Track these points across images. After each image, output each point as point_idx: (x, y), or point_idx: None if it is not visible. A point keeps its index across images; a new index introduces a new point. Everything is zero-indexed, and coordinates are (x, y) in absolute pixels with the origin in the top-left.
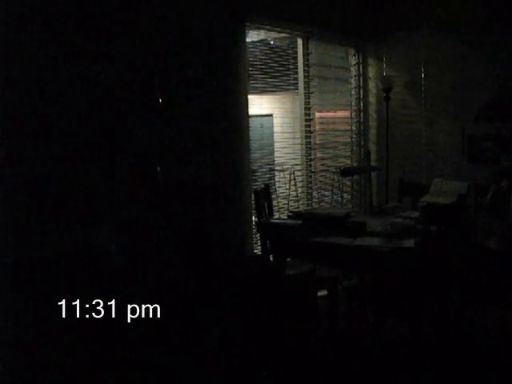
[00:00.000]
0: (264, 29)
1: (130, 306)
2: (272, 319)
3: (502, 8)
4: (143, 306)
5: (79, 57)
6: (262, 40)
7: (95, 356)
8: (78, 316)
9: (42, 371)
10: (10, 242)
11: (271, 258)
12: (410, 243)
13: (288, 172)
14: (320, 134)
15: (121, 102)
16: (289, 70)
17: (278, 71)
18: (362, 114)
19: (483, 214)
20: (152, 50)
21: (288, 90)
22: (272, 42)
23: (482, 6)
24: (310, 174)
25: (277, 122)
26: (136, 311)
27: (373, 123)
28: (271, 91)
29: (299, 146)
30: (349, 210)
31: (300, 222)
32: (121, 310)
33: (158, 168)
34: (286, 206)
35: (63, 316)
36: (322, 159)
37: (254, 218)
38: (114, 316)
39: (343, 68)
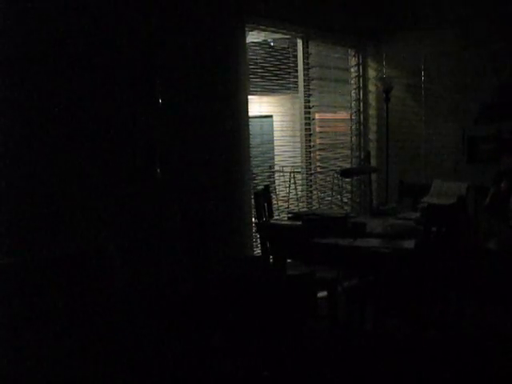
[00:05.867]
0: (264, 30)
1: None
2: (272, 320)
3: (502, 8)
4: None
5: (79, 57)
6: (262, 41)
7: (94, 357)
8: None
9: (42, 372)
10: (9, 243)
11: (271, 259)
12: (410, 244)
13: (288, 173)
14: (320, 135)
15: (121, 102)
16: (289, 71)
17: (278, 72)
18: (361, 115)
19: (483, 214)
20: (152, 50)
21: (288, 91)
22: (272, 43)
23: (482, 6)
24: (309, 175)
25: (277, 123)
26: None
27: (373, 124)
28: (271, 92)
29: (299, 146)
30: (349, 211)
31: (300, 223)
32: (120, 311)
33: (158, 169)
34: (286, 206)
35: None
36: (322, 160)
37: (253, 218)
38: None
39: (343, 69)
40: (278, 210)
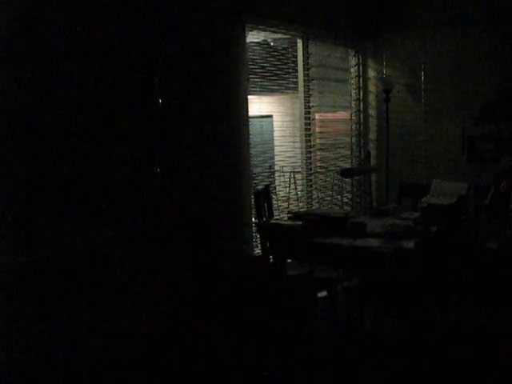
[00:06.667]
0: (264, 30)
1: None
2: (272, 320)
3: (502, 8)
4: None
5: (79, 57)
6: (262, 41)
7: (96, 356)
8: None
9: (42, 372)
10: (9, 243)
11: (271, 259)
12: (409, 244)
13: (288, 173)
14: (320, 135)
15: (121, 102)
16: (289, 70)
17: (278, 72)
18: (361, 115)
19: (483, 214)
20: (152, 50)
21: (288, 91)
22: (272, 43)
23: (482, 6)
24: (309, 175)
25: (277, 123)
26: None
27: (373, 124)
28: (271, 92)
29: (299, 146)
30: (349, 211)
31: (300, 222)
32: (121, 311)
33: (158, 169)
34: (286, 206)
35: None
36: (322, 160)
37: (253, 218)
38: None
39: (343, 69)
40: (278, 210)
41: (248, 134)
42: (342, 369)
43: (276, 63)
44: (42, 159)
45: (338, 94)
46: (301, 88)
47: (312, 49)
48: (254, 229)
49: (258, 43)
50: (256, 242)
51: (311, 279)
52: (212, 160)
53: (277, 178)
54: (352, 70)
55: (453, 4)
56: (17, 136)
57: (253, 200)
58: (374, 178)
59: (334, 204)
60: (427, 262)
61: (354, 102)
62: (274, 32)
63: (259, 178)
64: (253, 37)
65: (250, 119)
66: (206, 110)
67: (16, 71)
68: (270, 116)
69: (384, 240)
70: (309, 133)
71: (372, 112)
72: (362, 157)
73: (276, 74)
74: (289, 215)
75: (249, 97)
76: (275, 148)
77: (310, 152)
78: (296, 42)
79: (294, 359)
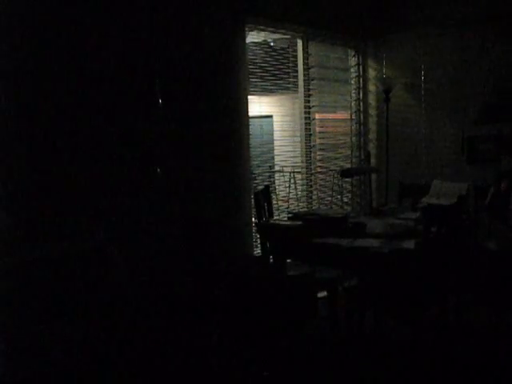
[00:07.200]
0: (264, 30)
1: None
2: (272, 320)
3: (502, 8)
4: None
5: (79, 56)
6: (262, 41)
7: (95, 356)
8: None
9: (43, 372)
10: (9, 243)
11: (271, 259)
12: (409, 244)
13: (288, 173)
14: (320, 135)
15: (121, 102)
16: (288, 71)
17: (278, 72)
18: (361, 115)
19: (483, 214)
20: (152, 50)
21: (288, 91)
22: (272, 43)
23: (482, 6)
24: (309, 175)
25: (277, 123)
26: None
27: (373, 124)
28: (271, 92)
29: (299, 146)
30: (349, 210)
31: (300, 223)
32: (121, 311)
33: (158, 169)
34: (286, 206)
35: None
36: (322, 160)
37: (253, 218)
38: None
39: (343, 69)
40: (278, 210)
41: (248, 135)
42: (342, 369)
43: (276, 63)
44: (42, 159)
45: (338, 94)
46: (301, 88)
47: (312, 49)
48: (254, 229)
49: (258, 43)
50: (256, 242)
51: (311, 279)
52: (212, 160)
53: (277, 178)
54: (352, 70)
55: (452, 4)
56: (17, 136)
57: (253, 200)
58: (374, 177)
59: (334, 204)
60: (427, 262)
61: (353, 102)
62: (274, 32)
63: (259, 178)
64: (253, 37)
65: (250, 119)
66: (206, 110)
67: (17, 72)
68: (270, 116)
69: (384, 240)
70: (309, 133)
71: (372, 112)
72: (362, 157)
73: (276, 75)
74: (289, 215)
75: (249, 97)
76: (275, 148)
77: (310, 152)
78: (296, 42)
79: (293, 359)
